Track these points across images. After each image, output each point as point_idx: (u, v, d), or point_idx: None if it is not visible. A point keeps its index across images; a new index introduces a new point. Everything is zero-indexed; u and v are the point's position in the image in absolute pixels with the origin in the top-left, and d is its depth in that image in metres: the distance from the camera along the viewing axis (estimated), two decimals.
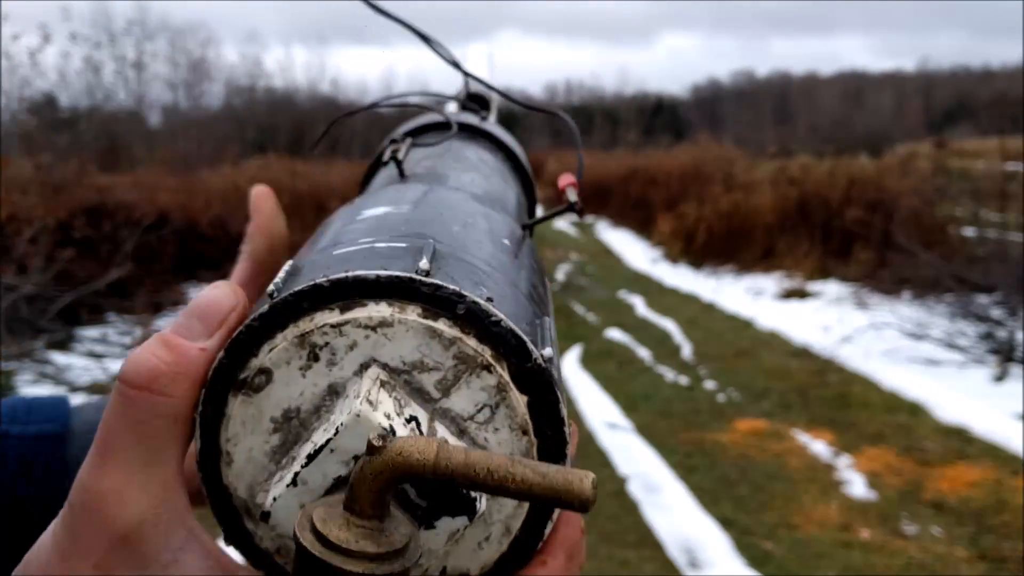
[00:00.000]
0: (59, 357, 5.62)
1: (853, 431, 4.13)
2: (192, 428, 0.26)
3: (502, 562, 0.28)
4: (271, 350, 0.25)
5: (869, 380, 4.95)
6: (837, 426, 4.21)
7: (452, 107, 0.57)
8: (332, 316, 0.25)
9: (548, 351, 0.26)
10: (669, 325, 6.58)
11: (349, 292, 0.25)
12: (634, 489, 3.51)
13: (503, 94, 0.53)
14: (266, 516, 0.26)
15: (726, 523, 3.17)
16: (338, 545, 0.21)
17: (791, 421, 4.30)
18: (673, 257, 10.37)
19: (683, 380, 5.10)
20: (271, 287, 0.26)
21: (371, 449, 0.22)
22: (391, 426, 0.24)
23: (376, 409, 0.24)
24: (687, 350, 5.82)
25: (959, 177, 9.23)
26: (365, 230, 0.29)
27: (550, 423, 0.26)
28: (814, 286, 7.84)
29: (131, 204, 8.18)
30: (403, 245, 0.27)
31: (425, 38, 0.49)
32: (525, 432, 0.26)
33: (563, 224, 15.33)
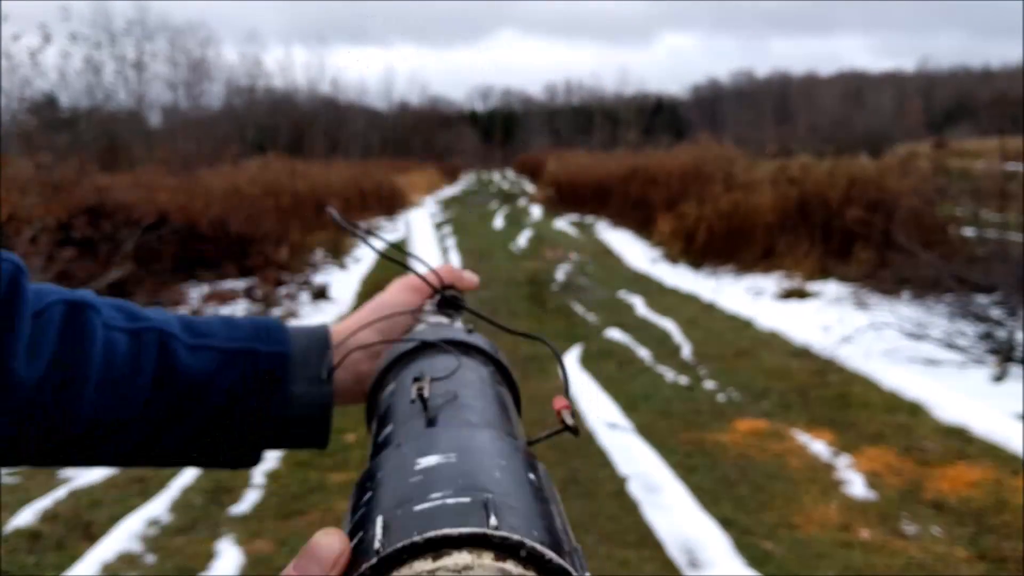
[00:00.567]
0: None
1: (853, 431, 4.14)
2: None
3: None
4: None
5: (869, 380, 4.95)
6: (837, 426, 4.21)
7: (428, 306, 0.65)
8: (427, 564, 0.32)
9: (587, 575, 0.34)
10: (669, 325, 6.58)
11: (438, 546, 0.32)
12: (634, 489, 3.51)
13: (484, 317, 0.62)
14: None
15: (726, 523, 3.17)
16: None
17: (791, 421, 4.31)
18: (673, 257, 10.37)
19: (683, 380, 5.10)
20: (376, 544, 0.33)
21: None
22: None
23: None
24: (687, 350, 5.82)
25: (959, 177, 9.24)
26: (429, 484, 0.36)
27: None
28: (814, 286, 7.85)
29: (131, 204, 8.17)
30: (467, 500, 0.34)
31: (395, 257, 0.63)
32: None
33: (563, 224, 15.34)
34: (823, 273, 8.21)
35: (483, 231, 14.65)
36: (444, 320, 0.62)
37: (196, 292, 8.04)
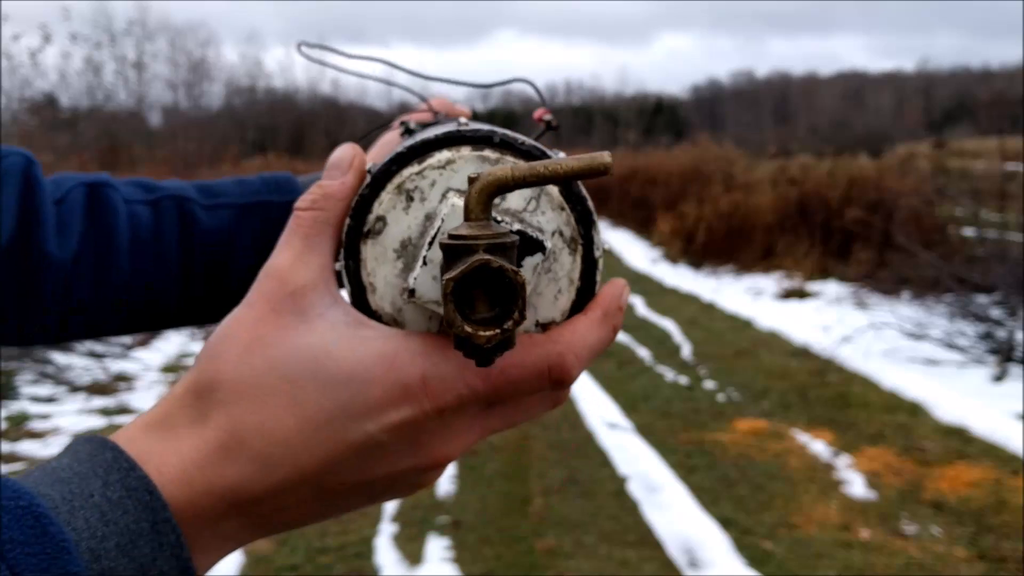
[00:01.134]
0: (59, 357, 5.62)
1: (853, 431, 4.14)
2: (339, 236, 0.38)
3: (572, 309, 0.39)
4: (380, 204, 0.37)
5: (869, 380, 4.95)
6: (837, 426, 4.21)
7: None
8: (414, 168, 0.36)
9: (562, 154, 0.36)
10: (669, 325, 6.59)
11: (421, 151, 0.37)
12: (634, 489, 3.51)
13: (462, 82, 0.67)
14: (412, 292, 0.35)
15: (726, 523, 3.18)
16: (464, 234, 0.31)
17: (791, 421, 4.31)
18: (673, 257, 10.37)
19: (683, 380, 5.10)
20: (368, 166, 0.38)
21: (471, 181, 0.32)
22: None
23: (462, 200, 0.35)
24: (687, 350, 5.82)
25: (959, 177, 9.24)
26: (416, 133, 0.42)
27: (577, 199, 0.39)
28: (814, 286, 7.85)
29: None
30: (452, 124, 0.38)
31: None
32: (563, 208, 0.38)
33: None
34: (823, 273, 8.21)
35: None
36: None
37: None
